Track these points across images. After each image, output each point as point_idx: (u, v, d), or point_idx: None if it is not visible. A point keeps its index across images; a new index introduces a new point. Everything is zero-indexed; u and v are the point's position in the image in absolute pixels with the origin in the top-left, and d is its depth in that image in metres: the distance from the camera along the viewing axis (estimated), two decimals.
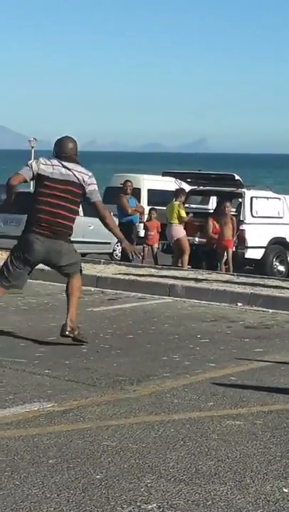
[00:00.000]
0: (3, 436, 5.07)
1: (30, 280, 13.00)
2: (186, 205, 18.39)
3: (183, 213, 17.42)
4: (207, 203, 21.11)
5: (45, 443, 4.99)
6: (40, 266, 13.97)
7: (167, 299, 11.58)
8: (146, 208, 20.63)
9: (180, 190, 18.43)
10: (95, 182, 8.23)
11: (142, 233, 19.61)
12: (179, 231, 17.41)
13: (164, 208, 18.41)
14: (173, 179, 20.47)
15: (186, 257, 17.04)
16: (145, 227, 19.05)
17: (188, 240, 17.70)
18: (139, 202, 21.98)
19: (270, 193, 19.24)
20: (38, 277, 13.16)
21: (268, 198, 18.77)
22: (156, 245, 18.82)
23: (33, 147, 39.59)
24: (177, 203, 17.54)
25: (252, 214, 18.01)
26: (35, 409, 5.73)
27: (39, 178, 8.18)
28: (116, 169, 30.19)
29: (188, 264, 17.07)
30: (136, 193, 21.95)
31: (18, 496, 4.12)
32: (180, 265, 16.76)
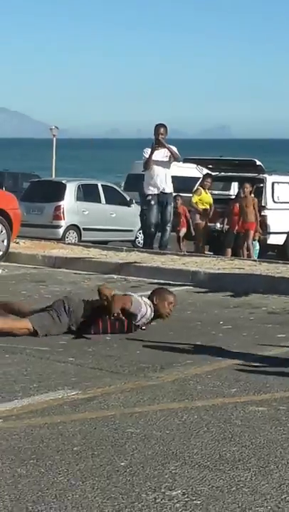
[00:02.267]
0: (29, 424, 5.11)
1: (53, 269, 13.11)
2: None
3: (194, 199, 17.50)
4: (229, 189, 21.09)
5: (69, 430, 5.03)
6: (64, 254, 14.00)
7: (190, 285, 11.58)
8: None
9: (205, 175, 18.42)
10: None
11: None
12: (196, 217, 17.48)
13: (188, 194, 18.43)
14: (194, 165, 20.45)
15: (201, 243, 17.08)
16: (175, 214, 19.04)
17: (210, 226, 17.70)
18: None
19: None
20: (60, 266, 13.25)
21: None
22: (183, 230, 18.78)
23: (54, 135, 39.63)
24: (196, 189, 17.60)
25: (273, 199, 17.98)
26: (60, 397, 5.76)
27: None
28: (138, 157, 30.11)
29: (209, 251, 17.08)
30: None
31: (44, 484, 4.16)
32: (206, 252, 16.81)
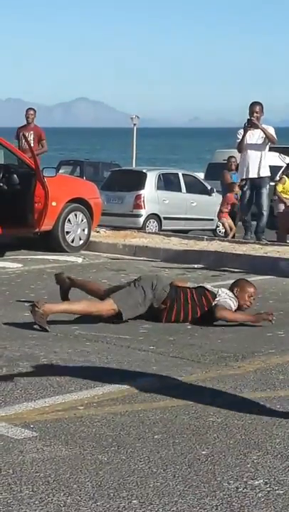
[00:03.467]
0: (110, 412, 5.12)
1: (133, 257, 13.13)
2: None
3: (279, 188, 17.27)
4: None
5: (150, 418, 5.02)
6: (144, 243, 14.02)
7: (271, 275, 11.46)
8: None
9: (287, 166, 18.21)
10: None
11: None
12: (278, 205, 17.28)
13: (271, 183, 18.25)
14: (277, 154, 20.24)
15: (284, 232, 16.87)
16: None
17: None
18: None
19: None
20: (141, 255, 13.27)
21: None
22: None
23: (135, 124, 39.73)
24: (280, 178, 17.39)
25: None
26: (140, 385, 5.75)
27: None
28: (220, 145, 30.02)
29: None
30: None
31: (125, 471, 4.16)
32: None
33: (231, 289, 8.14)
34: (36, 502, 3.76)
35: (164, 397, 5.47)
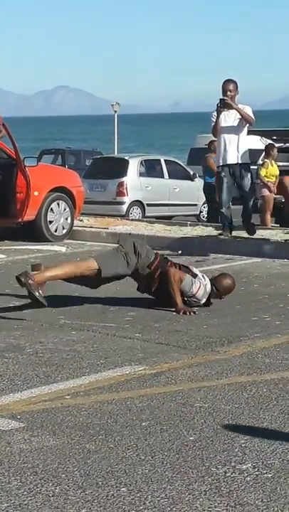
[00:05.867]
0: (96, 400, 5.12)
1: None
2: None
3: (262, 172, 17.24)
4: None
5: (137, 406, 5.02)
6: (128, 230, 13.98)
7: (256, 258, 11.48)
8: None
9: (270, 146, 18.07)
10: None
11: None
12: (261, 189, 17.27)
13: (253, 167, 18.21)
14: (258, 137, 20.21)
15: (267, 216, 16.86)
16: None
17: (276, 198, 17.51)
18: None
19: None
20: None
21: None
22: None
23: (116, 111, 39.60)
24: (263, 162, 17.37)
25: None
26: (127, 372, 5.76)
27: None
28: (201, 130, 29.99)
29: (276, 223, 16.90)
30: None
31: (113, 459, 4.16)
32: (272, 225, 16.61)
33: (212, 281, 8.15)
34: (25, 493, 3.75)
35: (151, 384, 5.48)
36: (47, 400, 5.12)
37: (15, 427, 4.64)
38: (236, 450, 4.28)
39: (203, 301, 7.98)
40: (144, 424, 4.69)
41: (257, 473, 3.98)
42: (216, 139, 12.87)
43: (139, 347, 6.51)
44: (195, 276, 7.98)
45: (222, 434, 4.52)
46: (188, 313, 7.69)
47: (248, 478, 3.91)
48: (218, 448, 4.31)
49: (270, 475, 3.96)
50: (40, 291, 7.37)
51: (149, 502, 3.65)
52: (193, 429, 4.60)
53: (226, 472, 3.99)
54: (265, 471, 4.00)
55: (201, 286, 7.92)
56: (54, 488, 3.81)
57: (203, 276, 8.08)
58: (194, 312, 7.75)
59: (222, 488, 3.80)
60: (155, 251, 8.18)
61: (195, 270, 8.14)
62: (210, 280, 8.10)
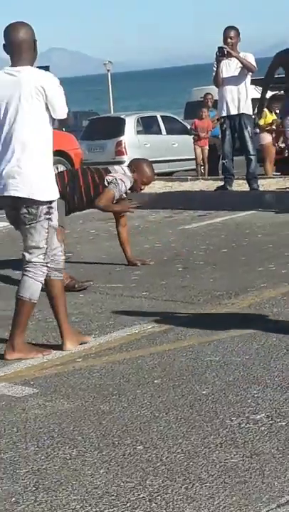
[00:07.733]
0: (108, 361, 5.15)
1: None
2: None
3: (261, 121, 17.11)
4: None
5: (149, 364, 5.04)
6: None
7: (258, 209, 11.44)
8: None
9: (272, 97, 17.89)
10: None
11: None
12: (262, 137, 17.14)
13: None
14: (253, 86, 20.05)
15: (268, 165, 16.76)
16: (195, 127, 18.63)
17: (275, 146, 17.40)
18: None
19: None
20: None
21: None
22: (206, 147, 18.51)
23: (108, 70, 39.37)
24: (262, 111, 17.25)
25: None
26: (136, 331, 5.78)
27: None
28: (196, 84, 29.77)
29: (277, 172, 16.81)
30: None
31: (128, 418, 4.19)
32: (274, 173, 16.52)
33: (130, 168, 7.97)
34: (42, 457, 3.79)
35: (161, 342, 5.50)
36: (59, 365, 5.16)
37: (29, 393, 4.68)
38: (249, 401, 4.31)
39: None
40: (156, 381, 4.72)
41: (271, 422, 4.01)
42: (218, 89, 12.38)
43: (147, 305, 6.53)
44: (108, 171, 7.76)
45: (234, 386, 4.55)
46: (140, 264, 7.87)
47: (263, 428, 3.94)
48: (231, 400, 4.34)
49: (284, 423, 3.98)
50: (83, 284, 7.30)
51: (166, 458, 3.68)
52: (206, 383, 4.63)
53: (240, 423, 4.02)
54: (279, 420, 4.03)
55: (122, 182, 7.70)
56: (71, 451, 3.84)
57: (116, 167, 8.01)
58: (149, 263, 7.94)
59: (237, 440, 3.83)
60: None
61: (110, 175, 7.80)
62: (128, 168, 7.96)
